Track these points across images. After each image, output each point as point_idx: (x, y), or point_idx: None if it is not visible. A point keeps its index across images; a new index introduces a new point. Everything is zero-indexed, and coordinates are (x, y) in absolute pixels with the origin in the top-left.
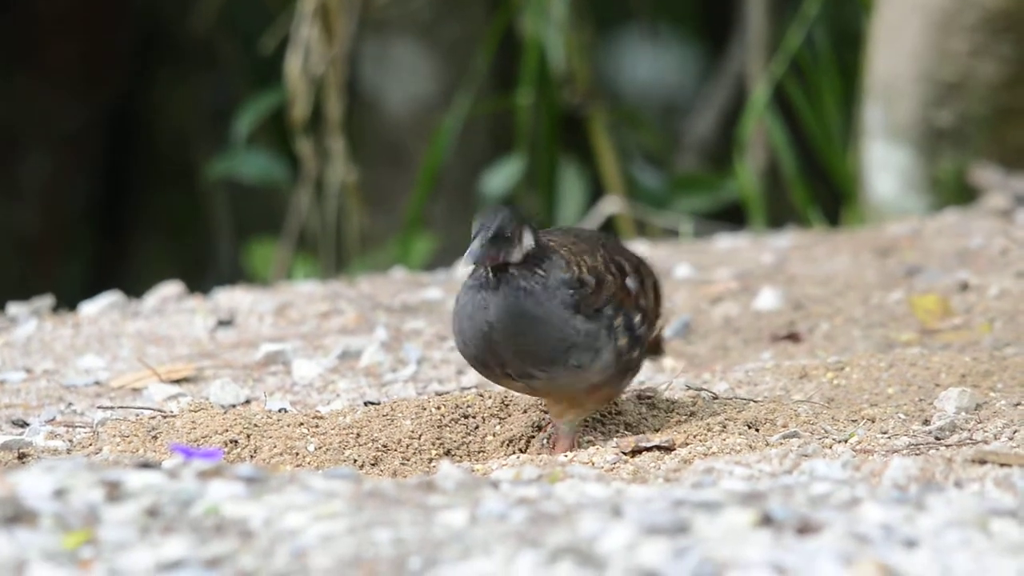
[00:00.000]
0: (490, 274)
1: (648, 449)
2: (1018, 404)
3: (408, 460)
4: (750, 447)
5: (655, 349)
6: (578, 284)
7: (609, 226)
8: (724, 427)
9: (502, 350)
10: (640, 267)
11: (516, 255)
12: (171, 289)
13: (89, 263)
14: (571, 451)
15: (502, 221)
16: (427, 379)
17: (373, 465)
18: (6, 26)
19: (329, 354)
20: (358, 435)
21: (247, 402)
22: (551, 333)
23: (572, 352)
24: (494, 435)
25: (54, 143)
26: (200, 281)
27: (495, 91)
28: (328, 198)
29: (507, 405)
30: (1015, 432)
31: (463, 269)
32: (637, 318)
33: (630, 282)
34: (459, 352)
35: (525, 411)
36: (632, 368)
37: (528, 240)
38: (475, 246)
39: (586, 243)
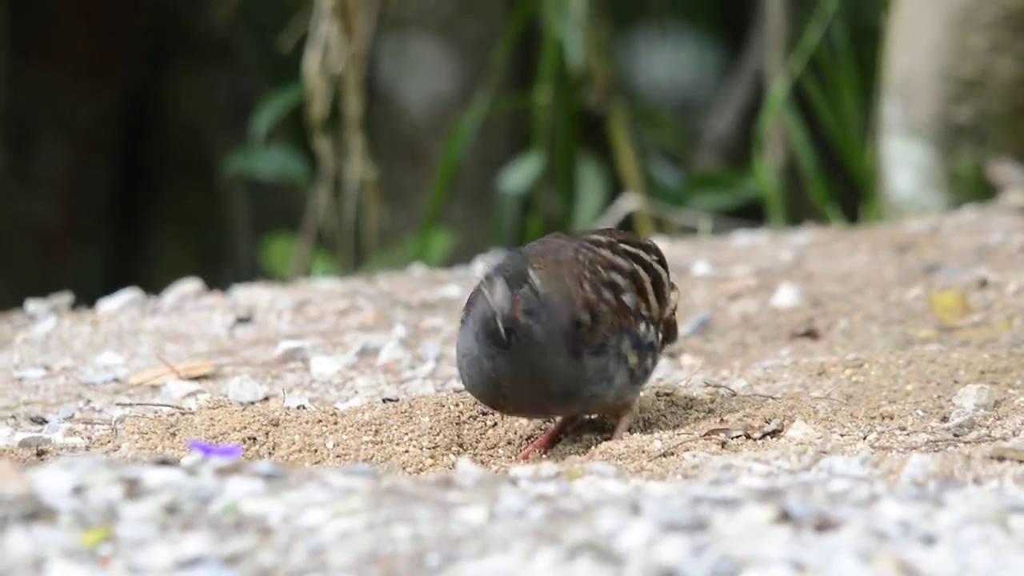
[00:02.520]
0: (502, 333)
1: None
2: None
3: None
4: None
5: (670, 332)
6: (575, 325)
7: (628, 224)
8: None
9: (514, 398)
10: (634, 271)
11: (529, 291)
12: (189, 286)
13: (106, 257)
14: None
15: (514, 262)
16: (446, 376)
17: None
18: (21, 17)
19: (348, 351)
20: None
21: (266, 399)
22: (561, 380)
23: (586, 387)
24: (514, 432)
25: (69, 135)
26: (218, 277)
27: (514, 89)
28: (346, 195)
29: None
30: None
31: (500, 329)
32: (642, 328)
33: (627, 299)
34: (467, 390)
35: None
36: (650, 369)
37: (535, 279)
38: (500, 296)
39: (569, 267)
